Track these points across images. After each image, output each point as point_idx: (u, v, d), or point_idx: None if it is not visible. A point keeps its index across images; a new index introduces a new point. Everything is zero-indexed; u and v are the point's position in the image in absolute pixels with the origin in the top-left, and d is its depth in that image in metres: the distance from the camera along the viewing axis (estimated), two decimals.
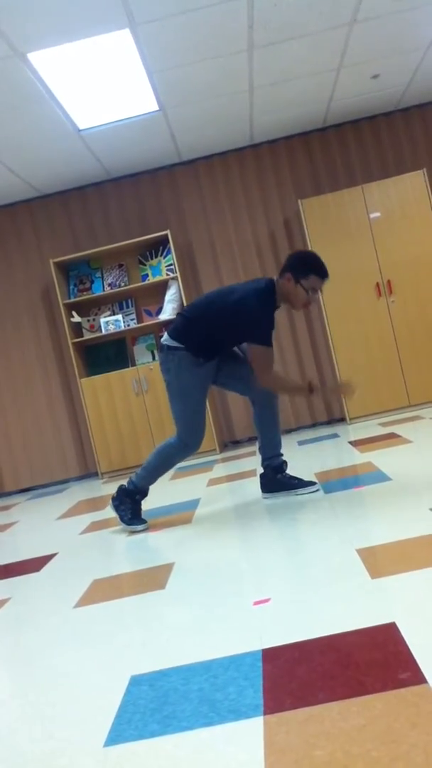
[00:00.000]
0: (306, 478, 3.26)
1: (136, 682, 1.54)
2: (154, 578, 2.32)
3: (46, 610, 2.25)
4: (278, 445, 3.23)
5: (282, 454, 3.24)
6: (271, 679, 1.41)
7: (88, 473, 5.97)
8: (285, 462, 3.24)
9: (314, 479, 3.39)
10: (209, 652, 1.60)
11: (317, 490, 3.13)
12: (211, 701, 1.38)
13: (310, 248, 5.39)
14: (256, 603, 1.86)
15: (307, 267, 2.93)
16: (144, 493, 3.18)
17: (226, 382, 3.20)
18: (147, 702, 1.43)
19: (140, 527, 3.11)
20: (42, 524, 4.05)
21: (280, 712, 1.28)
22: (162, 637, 1.79)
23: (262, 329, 2.89)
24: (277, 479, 3.20)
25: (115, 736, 1.32)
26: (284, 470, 3.22)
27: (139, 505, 3.18)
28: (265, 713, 1.29)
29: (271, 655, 1.52)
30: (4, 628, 2.18)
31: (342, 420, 5.75)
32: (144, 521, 3.14)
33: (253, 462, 4.55)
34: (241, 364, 3.15)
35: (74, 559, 2.90)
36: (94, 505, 4.33)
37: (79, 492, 5.14)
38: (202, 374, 3.03)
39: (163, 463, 3.10)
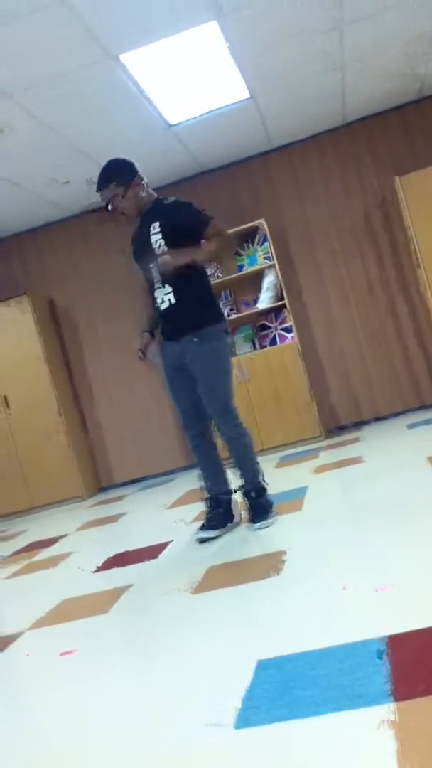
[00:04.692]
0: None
1: (262, 666, 1.56)
2: (269, 565, 2.33)
3: (168, 595, 2.32)
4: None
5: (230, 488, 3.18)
6: (399, 666, 1.39)
7: (194, 464, 6.06)
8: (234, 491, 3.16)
9: (427, 464, 3.29)
10: (333, 638, 1.60)
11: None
12: (339, 686, 1.37)
13: (411, 227, 5.21)
14: (378, 590, 1.83)
15: (129, 168, 3.05)
16: (262, 488, 3.07)
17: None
18: (274, 686, 1.45)
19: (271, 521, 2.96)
20: (153, 514, 4.17)
21: (411, 699, 1.26)
22: (285, 622, 1.80)
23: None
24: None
25: (245, 720, 1.35)
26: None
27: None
28: (396, 699, 1.27)
29: (397, 641, 1.50)
30: (130, 612, 2.27)
31: None
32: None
33: (358, 448, 4.47)
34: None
35: (187, 547, 2.97)
36: (201, 495, 4.40)
37: (186, 482, 5.24)
38: (165, 355, 3.10)
39: (243, 452, 3.08)
